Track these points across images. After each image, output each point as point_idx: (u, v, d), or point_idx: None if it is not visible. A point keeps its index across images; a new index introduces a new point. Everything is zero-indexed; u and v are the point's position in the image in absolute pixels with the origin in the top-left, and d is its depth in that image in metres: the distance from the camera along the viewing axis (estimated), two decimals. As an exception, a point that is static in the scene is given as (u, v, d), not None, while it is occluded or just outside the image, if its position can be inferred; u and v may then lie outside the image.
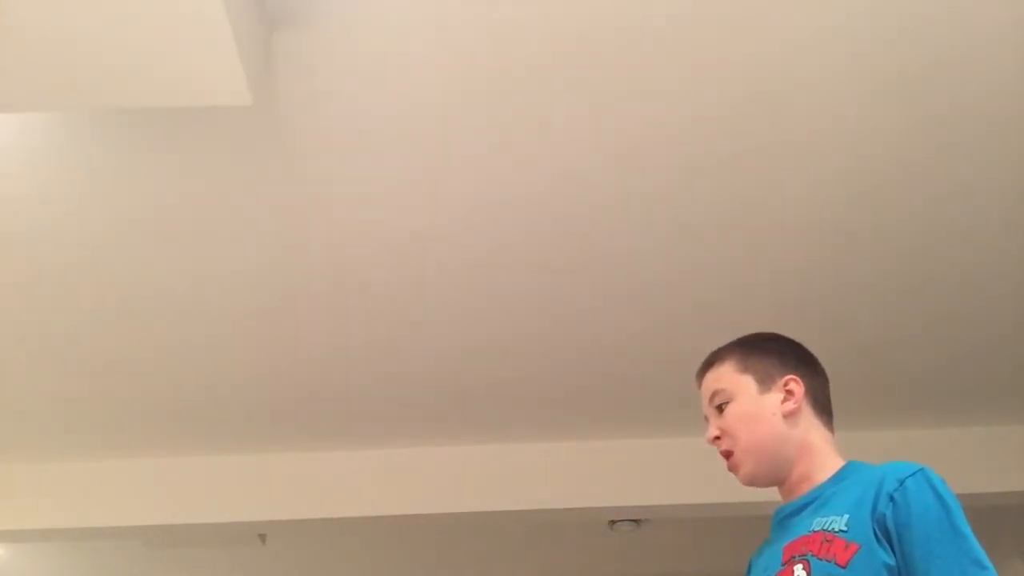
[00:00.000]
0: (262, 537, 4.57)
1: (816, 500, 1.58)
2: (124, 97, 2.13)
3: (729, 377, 1.69)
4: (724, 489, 3.61)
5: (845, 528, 1.46)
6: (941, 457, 4.06)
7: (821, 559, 1.45)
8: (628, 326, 3.33)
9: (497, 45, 2.27)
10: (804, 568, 1.47)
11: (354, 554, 5.24)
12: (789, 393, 1.65)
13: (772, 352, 1.71)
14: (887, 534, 1.43)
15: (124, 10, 1.88)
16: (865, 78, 2.36)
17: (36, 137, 2.48)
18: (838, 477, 1.60)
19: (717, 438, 1.68)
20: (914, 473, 1.47)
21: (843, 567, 1.42)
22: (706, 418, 1.72)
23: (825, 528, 1.49)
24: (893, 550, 1.42)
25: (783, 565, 1.52)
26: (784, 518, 1.63)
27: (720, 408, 1.68)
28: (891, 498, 1.44)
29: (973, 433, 3.99)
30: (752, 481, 1.66)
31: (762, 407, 1.64)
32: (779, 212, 2.82)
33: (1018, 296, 3.20)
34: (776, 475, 1.65)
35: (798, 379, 1.66)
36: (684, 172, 2.67)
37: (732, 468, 1.67)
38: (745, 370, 1.68)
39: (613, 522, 4.42)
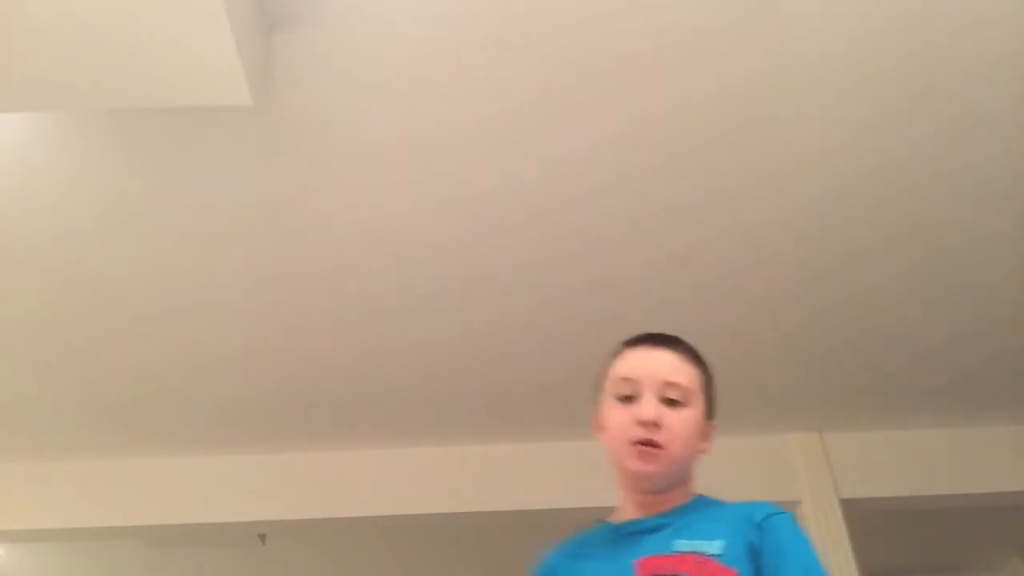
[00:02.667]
0: (262, 537, 4.57)
1: (672, 524, 1.62)
2: (124, 97, 2.13)
3: (694, 384, 1.70)
4: (723, 489, 3.64)
5: (720, 552, 1.53)
6: (941, 457, 4.10)
7: None
8: (628, 327, 3.32)
9: (496, 43, 2.27)
10: None
11: (354, 554, 5.24)
12: (708, 439, 1.72)
13: (715, 391, 1.77)
14: (756, 562, 1.52)
15: (124, 10, 1.88)
16: (864, 67, 2.36)
17: (35, 137, 2.48)
18: (691, 506, 1.66)
19: (657, 426, 1.64)
20: (780, 512, 1.59)
21: None
22: (642, 389, 1.69)
23: (697, 551, 1.55)
24: None
25: None
26: (631, 533, 1.65)
27: (671, 402, 1.66)
28: (760, 527, 1.56)
29: (973, 433, 3.99)
30: (649, 482, 1.66)
31: (697, 434, 1.68)
32: (776, 209, 2.82)
33: (1019, 297, 3.20)
34: (663, 490, 1.67)
35: (715, 427, 1.73)
36: (677, 162, 2.67)
37: (648, 458, 1.63)
38: (703, 391, 1.71)
39: (613, 522, 4.42)
